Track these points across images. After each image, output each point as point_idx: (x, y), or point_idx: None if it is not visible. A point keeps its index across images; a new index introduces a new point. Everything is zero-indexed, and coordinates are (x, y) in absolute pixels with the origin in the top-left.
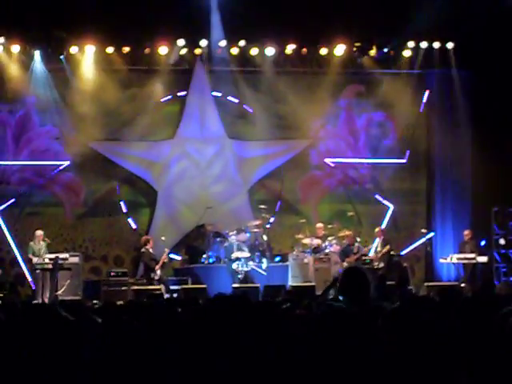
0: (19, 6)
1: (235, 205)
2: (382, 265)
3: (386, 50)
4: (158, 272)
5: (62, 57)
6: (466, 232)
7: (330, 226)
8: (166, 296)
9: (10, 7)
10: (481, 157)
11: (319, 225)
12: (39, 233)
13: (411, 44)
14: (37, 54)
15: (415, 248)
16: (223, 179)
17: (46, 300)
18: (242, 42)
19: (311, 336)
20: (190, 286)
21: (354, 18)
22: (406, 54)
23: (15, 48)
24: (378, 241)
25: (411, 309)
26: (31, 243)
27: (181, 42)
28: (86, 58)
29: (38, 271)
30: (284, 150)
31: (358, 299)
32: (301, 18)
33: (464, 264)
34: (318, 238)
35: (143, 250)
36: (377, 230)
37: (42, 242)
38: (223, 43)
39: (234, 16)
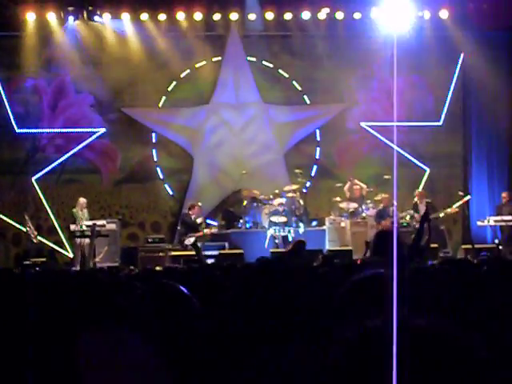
0: None
1: (271, 169)
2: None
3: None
4: (192, 239)
5: (96, 22)
6: (504, 194)
7: (367, 189)
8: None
9: None
10: None
11: (356, 186)
12: (82, 200)
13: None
14: (71, 20)
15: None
16: (259, 144)
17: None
18: (276, 7)
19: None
20: (227, 251)
21: None
22: (443, 15)
23: (50, 15)
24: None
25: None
26: (74, 210)
27: (215, 7)
28: (121, 24)
29: (75, 238)
30: (319, 114)
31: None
32: None
33: (501, 226)
34: (354, 200)
35: (185, 212)
36: (417, 193)
37: (84, 210)
38: (258, 9)
39: None
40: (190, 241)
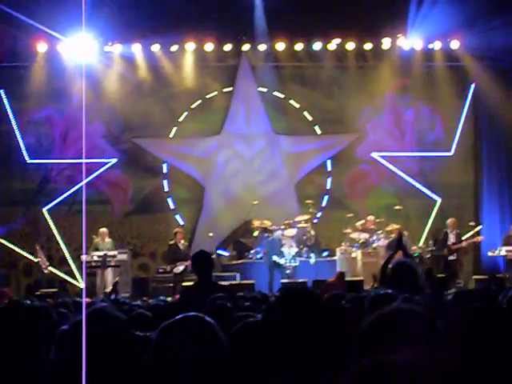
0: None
1: (282, 200)
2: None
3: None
4: (181, 267)
5: (108, 53)
6: None
7: (377, 221)
8: None
9: None
10: None
11: (370, 217)
12: (103, 230)
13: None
14: (83, 51)
15: (466, 240)
16: (270, 174)
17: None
18: (287, 37)
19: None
20: (239, 281)
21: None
22: (454, 46)
23: (61, 47)
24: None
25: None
26: (96, 240)
27: (226, 38)
28: (132, 55)
29: (87, 269)
30: (330, 144)
31: (409, 292)
32: (345, 13)
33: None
34: (365, 231)
35: (171, 242)
36: (450, 222)
37: (107, 239)
38: (268, 39)
39: (279, 11)
40: (178, 269)
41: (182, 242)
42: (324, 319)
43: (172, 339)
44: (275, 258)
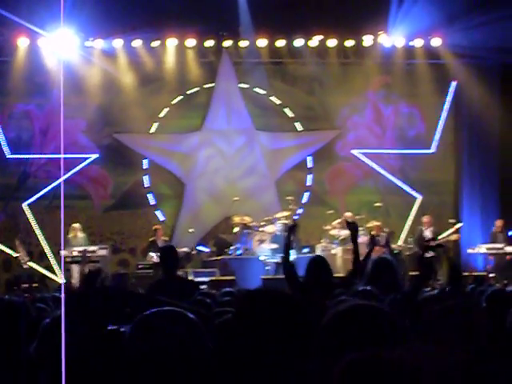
0: None
1: (263, 196)
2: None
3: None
4: (155, 256)
5: (88, 48)
6: (498, 223)
7: (357, 217)
8: None
9: None
10: (510, 146)
11: (347, 214)
12: (76, 225)
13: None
14: (63, 45)
15: (443, 238)
16: (250, 171)
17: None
18: (268, 34)
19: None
20: (219, 277)
21: (380, 8)
22: (435, 43)
23: (41, 41)
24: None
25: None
26: (69, 236)
27: (207, 34)
28: (113, 51)
29: (66, 264)
30: (311, 141)
31: (387, 289)
32: (327, 10)
33: (493, 254)
34: (345, 228)
35: (151, 239)
36: (425, 219)
37: (80, 234)
38: (250, 35)
39: (260, 8)
40: (153, 258)
41: (163, 238)
42: (290, 319)
43: (146, 333)
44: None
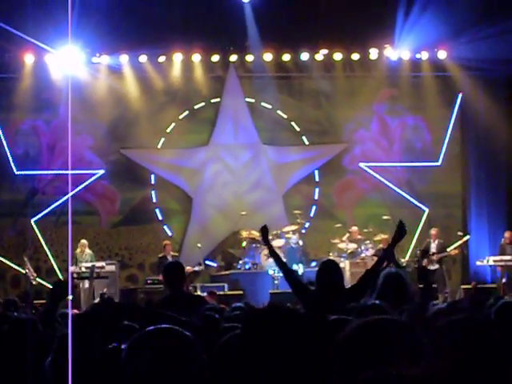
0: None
1: (270, 210)
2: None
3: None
4: None
5: (95, 64)
6: (507, 234)
7: (365, 231)
8: None
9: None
10: None
11: (354, 228)
12: (83, 242)
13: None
14: (70, 62)
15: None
16: (258, 185)
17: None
18: (274, 48)
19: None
20: (227, 292)
21: (386, 22)
22: (441, 56)
23: (48, 58)
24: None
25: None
26: (75, 252)
27: (214, 49)
28: (119, 66)
29: (74, 280)
30: (318, 154)
31: (397, 303)
32: (333, 24)
33: (501, 266)
34: (353, 241)
35: (160, 255)
36: (433, 232)
37: (87, 250)
38: (256, 49)
39: (266, 22)
40: None
41: (172, 253)
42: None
43: (142, 351)
44: (295, 267)
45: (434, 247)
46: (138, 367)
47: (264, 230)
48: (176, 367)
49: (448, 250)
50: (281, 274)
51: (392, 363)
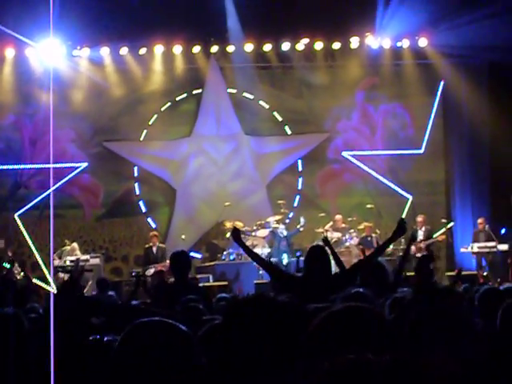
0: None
1: (254, 201)
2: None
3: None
4: (152, 270)
5: (75, 56)
6: (480, 220)
7: (349, 219)
8: None
9: None
10: (499, 144)
11: (338, 217)
12: (75, 246)
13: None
14: (51, 55)
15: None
16: (241, 176)
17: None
18: (255, 38)
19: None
20: (212, 283)
21: (366, 10)
22: (422, 43)
23: (29, 51)
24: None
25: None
26: (64, 248)
27: (195, 40)
28: (100, 59)
29: (59, 273)
30: (301, 144)
31: (379, 290)
32: (313, 13)
33: (485, 253)
34: (337, 230)
35: (146, 245)
36: (420, 219)
37: (77, 253)
38: (238, 40)
39: (246, 12)
40: (149, 272)
41: (158, 244)
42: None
43: (135, 343)
44: (284, 255)
45: (421, 234)
46: (130, 359)
47: (235, 232)
48: (169, 360)
49: (434, 236)
50: None
51: (360, 351)
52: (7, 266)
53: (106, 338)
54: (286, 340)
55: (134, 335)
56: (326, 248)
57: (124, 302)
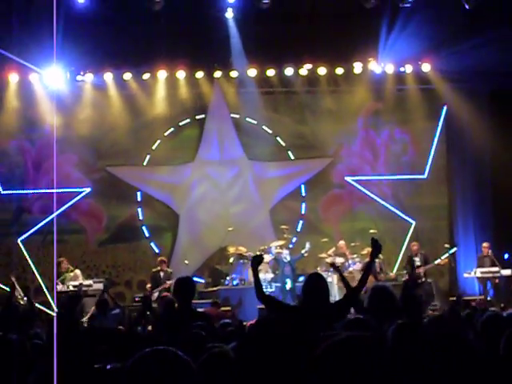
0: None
1: (257, 226)
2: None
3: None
4: (156, 294)
5: (79, 82)
6: (485, 244)
7: (352, 244)
8: None
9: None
10: (502, 169)
11: (341, 243)
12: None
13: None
14: (54, 80)
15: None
16: (244, 200)
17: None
18: (259, 64)
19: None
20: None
21: (369, 35)
22: (425, 68)
23: (33, 77)
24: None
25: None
26: (67, 275)
27: (198, 65)
28: (104, 84)
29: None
30: (304, 169)
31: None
32: (316, 38)
33: (489, 278)
34: (340, 255)
35: (154, 269)
36: (414, 247)
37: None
38: (241, 66)
39: (250, 37)
40: (154, 296)
41: (166, 269)
42: (291, 352)
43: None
44: (288, 281)
45: (417, 261)
46: None
47: (256, 259)
48: None
49: (435, 262)
50: (269, 290)
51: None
52: (7, 288)
53: (108, 366)
54: (291, 370)
55: (141, 364)
56: (330, 273)
57: (127, 328)
